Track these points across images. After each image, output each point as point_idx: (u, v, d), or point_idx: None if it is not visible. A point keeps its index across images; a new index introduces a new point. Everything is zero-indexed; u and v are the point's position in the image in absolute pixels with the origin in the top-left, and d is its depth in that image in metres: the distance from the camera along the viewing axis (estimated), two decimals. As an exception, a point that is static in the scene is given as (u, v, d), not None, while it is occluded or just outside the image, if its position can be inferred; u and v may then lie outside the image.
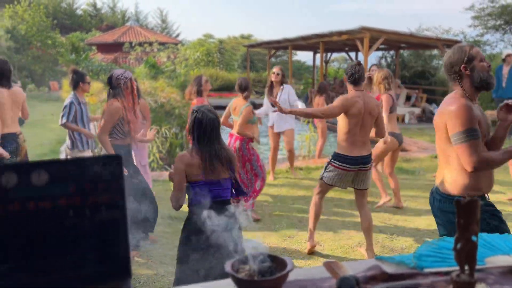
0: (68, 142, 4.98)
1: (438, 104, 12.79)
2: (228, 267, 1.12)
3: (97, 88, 17.01)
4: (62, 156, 7.97)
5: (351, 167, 3.58)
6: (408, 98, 12.74)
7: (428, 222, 4.45)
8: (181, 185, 2.47)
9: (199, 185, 2.46)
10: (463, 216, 1.05)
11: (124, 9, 49.01)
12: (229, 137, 4.85)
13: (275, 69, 5.73)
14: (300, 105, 5.71)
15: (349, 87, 3.65)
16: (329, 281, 1.17)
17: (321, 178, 3.75)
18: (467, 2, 18.17)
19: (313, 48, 16.94)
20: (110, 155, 0.81)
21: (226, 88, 22.17)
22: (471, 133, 2.11)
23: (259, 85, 22.46)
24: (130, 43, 26.79)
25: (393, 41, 12.30)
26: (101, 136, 3.76)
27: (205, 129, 2.45)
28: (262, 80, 23.51)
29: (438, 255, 1.28)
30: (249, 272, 1.13)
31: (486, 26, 17.09)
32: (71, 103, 4.72)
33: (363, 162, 3.60)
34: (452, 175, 2.27)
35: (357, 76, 3.57)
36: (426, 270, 1.20)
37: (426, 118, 11.94)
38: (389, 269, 1.19)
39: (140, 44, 26.01)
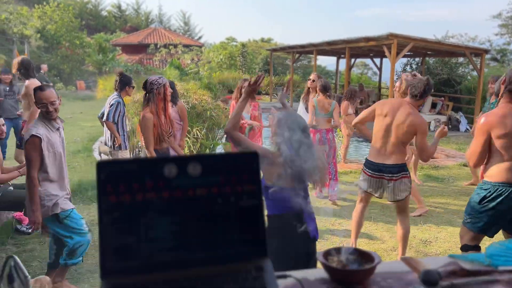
0: (109, 142, 5.15)
1: (464, 112, 12.69)
2: (320, 257, 1.23)
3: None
4: (96, 154, 8.22)
5: (373, 173, 3.58)
6: (433, 105, 12.68)
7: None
8: None
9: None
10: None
11: (148, 11, 49.75)
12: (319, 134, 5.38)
13: (312, 76, 5.84)
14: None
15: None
16: (411, 275, 1.27)
17: (356, 185, 3.83)
18: (494, 10, 17.93)
19: (337, 53, 16.98)
20: (249, 152, 0.93)
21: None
22: None
23: (281, 88, 22.57)
24: (155, 44, 27.27)
25: (419, 48, 12.27)
26: (149, 148, 3.94)
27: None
28: (284, 83, 23.62)
29: (508, 255, 1.37)
30: (340, 263, 1.23)
31: (514, 34, 16.92)
32: (118, 103, 4.91)
33: (387, 171, 3.52)
34: None
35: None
36: (501, 268, 1.29)
37: (452, 126, 11.87)
38: (466, 265, 1.29)
39: (165, 46, 26.45)
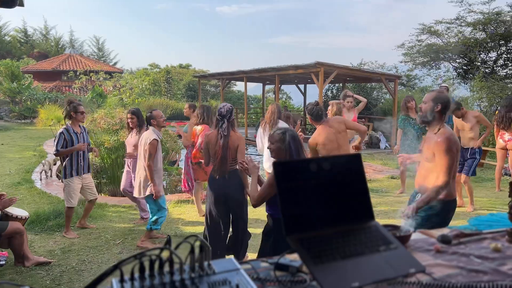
0: (62, 172, 5.35)
1: (382, 131, 14.18)
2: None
3: (54, 116, 16.56)
4: (37, 184, 7.97)
5: None
6: (355, 126, 13.99)
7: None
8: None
9: None
10: (513, 191, 1.77)
11: (58, 37, 47.41)
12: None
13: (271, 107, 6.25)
14: None
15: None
16: (430, 239, 1.82)
17: None
18: (398, 41, 20.33)
19: (264, 80, 17.97)
20: (353, 154, 1.43)
21: (176, 117, 22.51)
22: None
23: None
24: (75, 71, 26.37)
25: (341, 75, 13.58)
26: None
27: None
28: (213, 109, 24.14)
29: (485, 224, 1.99)
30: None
31: (415, 62, 19.24)
32: (61, 133, 5.16)
33: None
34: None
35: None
36: (484, 231, 1.89)
37: (373, 144, 13.23)
38: (464, 231, 1.87)
39: (85, 73, 25.72)
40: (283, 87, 29.89)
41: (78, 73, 25.44)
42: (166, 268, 1.06)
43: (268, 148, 3.09)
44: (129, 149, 5.69)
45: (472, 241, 1.79)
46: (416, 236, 1.87)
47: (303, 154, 3.08)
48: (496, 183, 7.67)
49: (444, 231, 1.92)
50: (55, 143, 5.16)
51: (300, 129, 8.05)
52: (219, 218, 4.12)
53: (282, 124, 6.14)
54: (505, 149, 7.37)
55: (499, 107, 7.24)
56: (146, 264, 1.04)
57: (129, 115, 5.62)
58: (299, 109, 23.52)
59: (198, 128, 5.67)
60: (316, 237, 1.26)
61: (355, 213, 1.38)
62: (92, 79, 25.10)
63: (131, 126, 5.66)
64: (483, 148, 10.01)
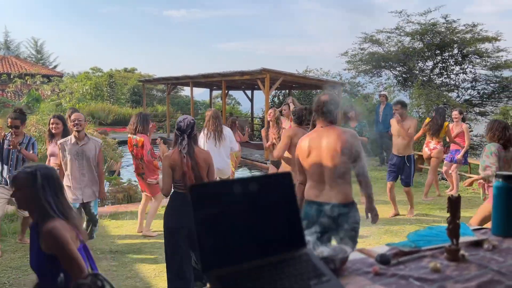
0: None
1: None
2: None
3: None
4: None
5: None
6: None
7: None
8: None
9: None
10: (453, 207, 1.70)
11: (-9, 38, 44.39)
12: None
13: (208, 112, 6.04)
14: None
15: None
16: (369, 259, 1.70)
17: None
18: (342, 49, 20.84)
19: (211, 86, 17.74)
20: (282, 173, 1.27)
21: (119, 123, 21.69)
22: None
23: (155, 119, 22.43)
24: (8, 74, 24.71)
25: (287, 82, 13.65)
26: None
27: None
28: (158, 114, 23.53)
29: (424, 239, 1.91)
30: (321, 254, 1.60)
31: (358, 70, 19.79)
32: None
33: None
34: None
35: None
36: (424, 247, 1.81)
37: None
38: (403, 249, 1.78)
39: (20, 76, 24.16)
40: (232, 92, 29.80)
41: (11, 76, 23.87)
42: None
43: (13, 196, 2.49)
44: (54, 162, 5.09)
45: (411, 260, 1.70)
46: (354, 256, 1.75)
47: (64, 199, 2.23)
48: (436, 187, 7.92)
49: (383, 249, 1.82)
50: None
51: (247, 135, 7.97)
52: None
53: (226, 130, 5.99)
54: (429, 158, 7.58)
55: (434, 115, 7.39)
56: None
57: (53, 120, 5.18)
58: (246, 115, 23.45)
59: (136, 137, 5.35)
60: (239, 273, 1.09)
61: (286, 241, 1.23)
62: (28, 82, 23.64)
63: (54, 132, 5.18)
64: (418, 153, 10.42)
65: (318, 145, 3.12)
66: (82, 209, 4.70)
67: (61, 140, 4.72)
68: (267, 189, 1.20)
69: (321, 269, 1.17)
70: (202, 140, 5.82)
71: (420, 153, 10.49)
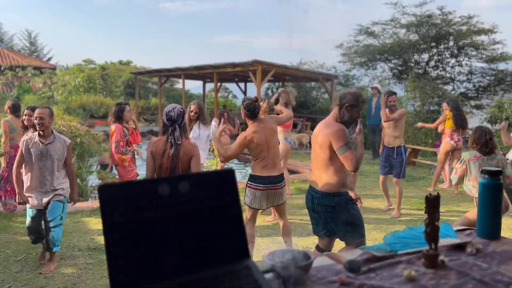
0: None
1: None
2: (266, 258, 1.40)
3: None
4: None
5: (263, 186, 3.99)
6: (294, 125, 13.92)
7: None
8: None
9: None
10: (430, 208, 1.51)
11: (-17, 30, 43.70)
12: None
13: (192, 107, 5.84)
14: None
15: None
16: (337, 266, 1.52)
17: (244, 203, 4.13)
18: (338, 41, 20.54)
19: (204, 78, 17.48)
20: (223, 170, 1.08)
21: (112, 116, 21.36)
22: (349, 145, 3.09)
23: (147, 112, 22.18)
24: (-1, 66, 24.36)
25: (280, 74, 13.42)
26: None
27: None
28: (151, 107, 23.28)
29: (402, 242, 1.72)
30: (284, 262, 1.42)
31: (353, 62, 19.54)
32: None
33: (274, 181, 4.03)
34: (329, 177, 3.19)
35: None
36: (400, 252, 1.62)
37: (311, 144, 13.17)
38: (376, 253, 1.59)
39: (11, 68, 23.82)
40: (228, 85, 29.50)
41: (2, 68, 23.54)
42: None
43: None
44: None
45: (384, 267, 1.51)
46: (321, 261, 1.56)
47: None
48: (433, 181, 7.73)
49: (355, 253, 1.63)
50: None
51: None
52: None
53: (213, 123, 5.83)
54: (454, 150, 7.39)
55: (452, 109, 7.28)
56: None
57: (26, 112, 4.95)
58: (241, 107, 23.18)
59: (111, 128, 5.16)
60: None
61: (224, 251, 1.03)
62: (19, 75, 23.32)
63: (26, 124, 4.93)
64: (411, 146, 10.22)
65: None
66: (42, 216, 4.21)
67: (25, 137, 4.19)
68: (202, 190, 1.00)
69: (262, 285, 0.97)
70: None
71: (414, 146, 10.32)
